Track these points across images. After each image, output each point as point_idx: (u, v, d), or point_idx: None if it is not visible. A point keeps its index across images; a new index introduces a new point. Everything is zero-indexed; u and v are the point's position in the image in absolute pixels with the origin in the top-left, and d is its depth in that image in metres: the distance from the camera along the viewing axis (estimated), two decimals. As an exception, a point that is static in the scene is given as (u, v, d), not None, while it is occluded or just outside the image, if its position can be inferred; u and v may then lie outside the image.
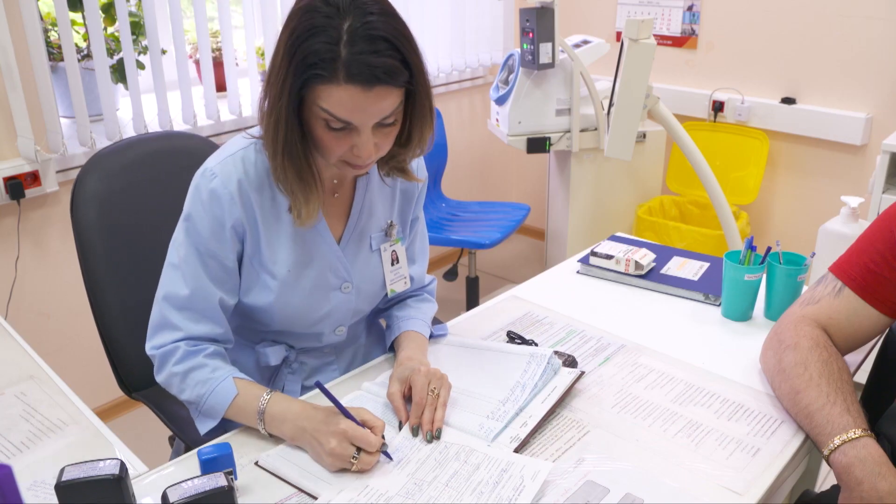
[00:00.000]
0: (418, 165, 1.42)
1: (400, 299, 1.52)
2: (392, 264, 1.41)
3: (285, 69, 1.10)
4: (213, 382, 1.22)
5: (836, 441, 1.09)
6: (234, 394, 1.21)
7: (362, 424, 1.12)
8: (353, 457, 1.09)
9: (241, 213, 1.23)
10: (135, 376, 1.57)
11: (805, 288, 1.51)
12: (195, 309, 1.25)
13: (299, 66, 1.08)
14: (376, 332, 1.58)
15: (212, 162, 1.24)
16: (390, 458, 1.13)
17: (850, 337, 1.27)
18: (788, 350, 1.25)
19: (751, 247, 1.52)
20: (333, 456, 1.09)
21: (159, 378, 1.27)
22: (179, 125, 2.70)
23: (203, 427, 1.25)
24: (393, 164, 1.30)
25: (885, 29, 2.86)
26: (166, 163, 1.64)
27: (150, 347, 1.27)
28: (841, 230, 1.47)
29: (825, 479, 1.65)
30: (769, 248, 1.53)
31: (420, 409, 1.20)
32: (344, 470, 1.11)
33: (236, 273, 1.28)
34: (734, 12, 3.23)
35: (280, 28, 1.14)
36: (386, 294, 1.43)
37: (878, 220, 1.25)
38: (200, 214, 1.22)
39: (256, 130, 1.24)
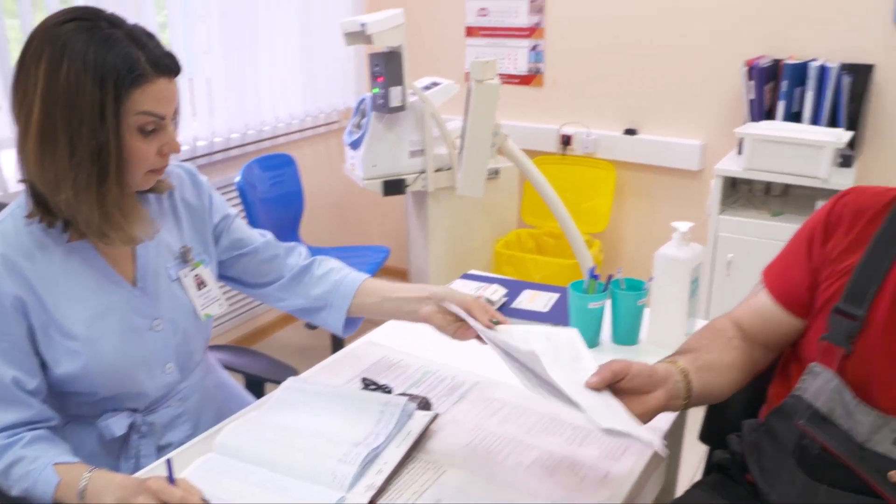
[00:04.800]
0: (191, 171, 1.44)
1: (298, 278, 1.51)
2: (199, 288, 1.39)
3: (98, 93, 1.11)
4: (34, 474, 1.17)
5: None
6: (56, 481, 1.16)
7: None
8: None
9: (14, 287, 1.19)
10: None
11: (647, 311, 1.58)
12: None
13: (117, 81, 1.11)
14: (225, 391, 1.54)
15: None
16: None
17: (763, 332, 1.31)
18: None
19: (593, 275, 1.58)
20: None
21: None
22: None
23: None
24: None
25: (715, 63, 3.07)
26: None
27: None
28: (675, 254, 1.55)
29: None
30: (610, 276, 1.59)
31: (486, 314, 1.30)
32: None
33: (30, 351, 1.22)
34: (574, 50, 3.38)
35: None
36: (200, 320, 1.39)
37: (805, 221, 1.30)
38: None
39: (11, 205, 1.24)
